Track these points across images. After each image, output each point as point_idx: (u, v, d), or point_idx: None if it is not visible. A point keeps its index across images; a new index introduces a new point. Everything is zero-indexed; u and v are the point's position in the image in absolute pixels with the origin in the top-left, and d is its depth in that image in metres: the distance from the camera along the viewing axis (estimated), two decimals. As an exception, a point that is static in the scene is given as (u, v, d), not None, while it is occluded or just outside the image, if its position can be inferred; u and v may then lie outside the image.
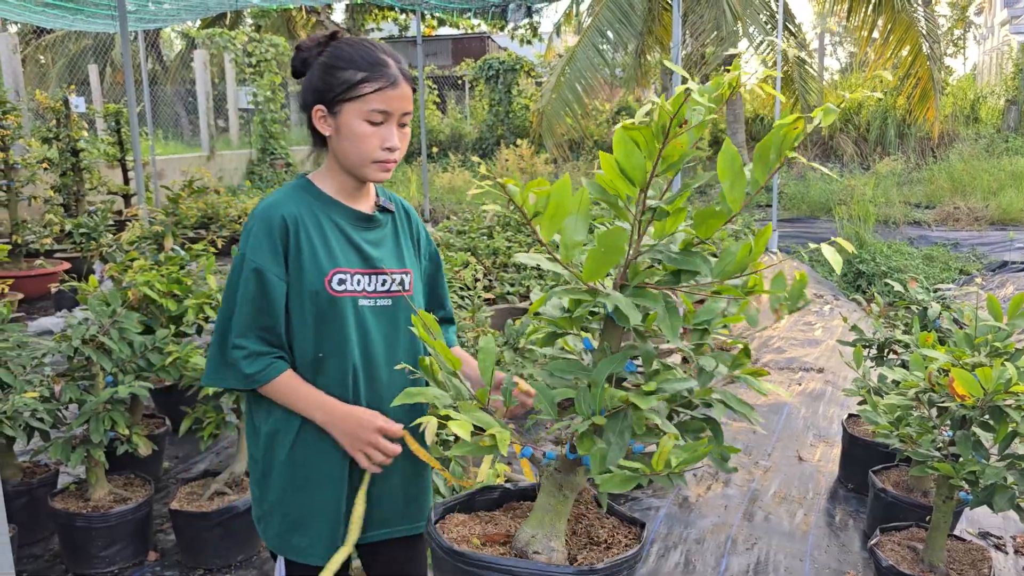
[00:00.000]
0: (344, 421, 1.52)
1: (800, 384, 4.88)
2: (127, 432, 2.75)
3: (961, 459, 2.21)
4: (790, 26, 11.58)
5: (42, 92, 8.30)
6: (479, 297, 4.44)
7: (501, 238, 5.84)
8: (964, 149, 13.20)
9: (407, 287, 1.64)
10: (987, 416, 2.10)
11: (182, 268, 3.31)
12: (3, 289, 3.51)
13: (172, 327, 3.10)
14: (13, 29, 16.06)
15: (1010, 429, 2.04)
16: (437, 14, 15.23)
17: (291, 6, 16.32)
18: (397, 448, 1.51)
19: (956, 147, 13.40)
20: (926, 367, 2.30)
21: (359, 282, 1.57)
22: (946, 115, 13.80)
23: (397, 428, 1.51)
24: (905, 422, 2.39)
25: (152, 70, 17.92)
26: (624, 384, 1.30)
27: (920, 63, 10.97)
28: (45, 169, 7.40)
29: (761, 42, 10.78)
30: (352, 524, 1.52)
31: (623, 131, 1.11)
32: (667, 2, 11.06)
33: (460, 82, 18.69)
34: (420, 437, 1.46)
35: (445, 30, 20.14)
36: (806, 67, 11.76)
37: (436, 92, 17.79)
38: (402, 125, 1.55)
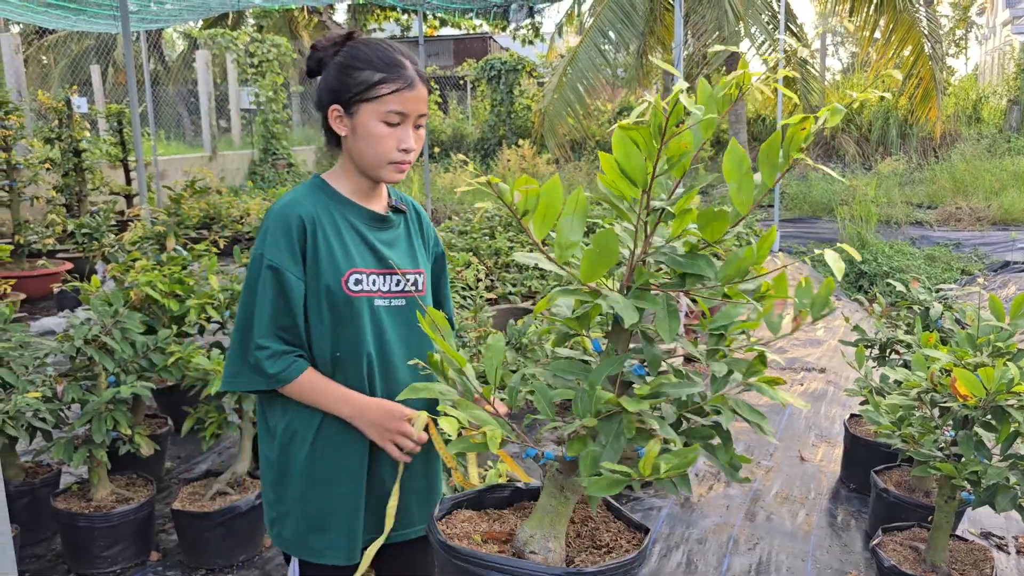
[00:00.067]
0: (371, 412, 1.52)
1: (802, 384, 4.87)
2: (129, 432, 2.76)
3: (963, 459, 2.20)
4: (792, 26, 11.57)
5: (44, 92, 8.31)
6: (481, 297, 4.44)
7: (503, 238, 5.84)
8: (966, 149, 13.18)
9: (420, 287, 1.65)
10: (989, 416, 2.10)
11: (184, 268, 3.32)
12: (5, 289, 3.52)
13: (174, 327, 3.10)
14: (15, 29, 16.09)
15: (1012, 429, 2.04)
16: (439, 14, 15.23)
17: (293, 6, 16.33)
18: (424, 436, 1.51)
19: (958, 147, 13.38)
20: (928, 367, 2.30)
21: (375, 282, 1.57)
22: (948, 115, 13.79)
23: (423, 416, 1.49)
24: (907, 422, 2.39)
25: (154, 70, 17.94)
26: (631, 388, 1.30)
27: (922, 63, 10.96)
28: (47, 169, 7.42)
29: (763, 42, 10.77)
30: (387, 515, 1.49)
31: (621, 131, 1.10)
32: (669, 2, 11.06)
33: (462, 82, 18.70)
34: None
35: (447, 30, 20.14)
36: (808, 67, 11.76)
37: (438, 92, 17.78)
38: (418, 127, 1.55)
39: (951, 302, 3.32)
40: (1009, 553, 3.01)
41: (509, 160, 13.38)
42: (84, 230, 5.86)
